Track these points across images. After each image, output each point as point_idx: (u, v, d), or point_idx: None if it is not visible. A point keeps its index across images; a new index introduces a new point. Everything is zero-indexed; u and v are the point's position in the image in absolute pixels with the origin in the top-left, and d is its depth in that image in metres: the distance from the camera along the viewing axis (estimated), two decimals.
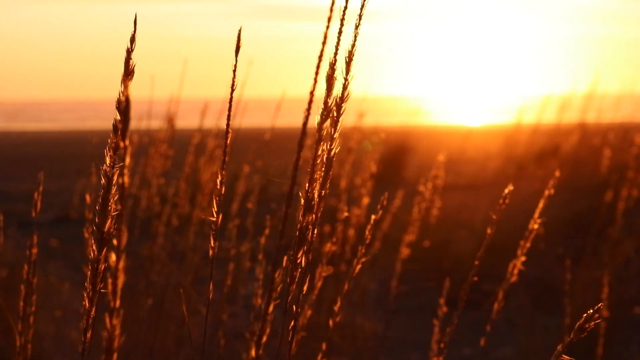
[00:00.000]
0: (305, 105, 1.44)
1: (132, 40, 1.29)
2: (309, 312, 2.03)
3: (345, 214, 3.77)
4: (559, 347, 1.37)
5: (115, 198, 1.23)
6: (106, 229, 1.22)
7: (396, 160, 11.69)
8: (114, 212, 1.22)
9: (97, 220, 1.22)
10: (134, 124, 5.18)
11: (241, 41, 1.38)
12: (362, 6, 1.34)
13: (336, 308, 1.71)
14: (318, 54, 1.37)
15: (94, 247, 1.26)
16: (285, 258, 1.43)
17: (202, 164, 4.19)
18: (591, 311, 1.31)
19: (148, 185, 4.07)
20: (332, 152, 1.39)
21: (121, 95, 1.02)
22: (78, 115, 55.70)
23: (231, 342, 3.48)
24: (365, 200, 3.79)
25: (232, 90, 1.41)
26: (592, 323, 1.31)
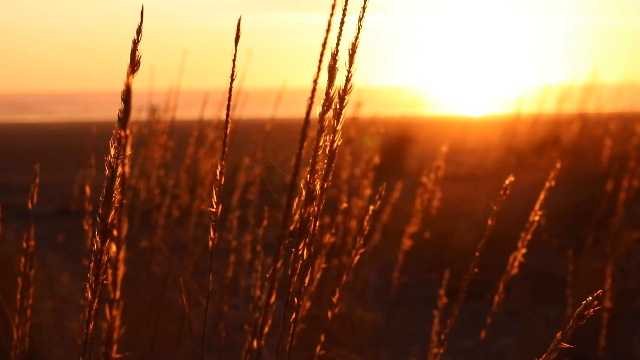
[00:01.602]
0: (306, 96, 1.43)
1: (139, 31, 1.28)
2: (308, 304, 2.02)
3: (345, 205, 3.77)
4: (558, 335, 1.36)
5: (118, 189, 1.22)
6: (110, 220, 1.21)
7: (397, 150, 11.68)
8: (119, 203, 1.21)
9: (100, 211, 1.21)
10: (135, 115, 5.17)
11: (241, 31, 1.37)
12: None
13: (335, 299, 1.71)
14: (322, 42, 1.36)
15: (97, 238, 1.25)
16: (284, 249, 1.42)
17: (202, 155, 4.18)
18: (590, 298, 1.30)
19: (147, 176, 4.06)
20: (335, 144, 1.38)
21: (126, 86, 1.01)
22: (77, 107, 55.65)
23: (232, 334, 3.48)
24: (367, 192, 3.78)
25: (232, 80, 1.41)
26: (592, 310, 1.30)
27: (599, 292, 1.31)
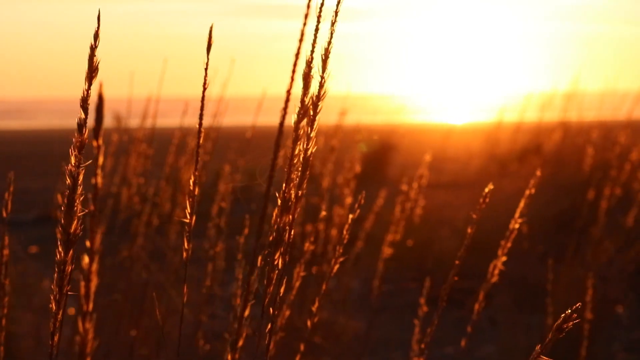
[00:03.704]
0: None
1: (96, 36, 1.26)
2: (287, 313, 2.00)
3: (324, 213, 3.76)
4: (538, 348, 1.35)
5: (83, 198, 1.20)
6: (72, 230, 1.18)
7: (380, 158, 11.69)
8: (82, 212, 1.19)
9: (62, 221, 1.18)
10: (110, 122, 5.13)
11: (213, 39, 1.36)
12: (338, 2, 1.32)
13: (314, 308, 1.69)
14: (295, 51, 1.35)
15: (60, 249, 1.22)
16: (261, 259, 1.41)
17: (182, 163, 4.16)
18: (569, 311, 1.29)
19: (128, 184, 4.04)
20: (309, 152, 1.37)
21: (84, 93, 0.99)
22: (59, 113, 55.47)
23: (212, 343, 3.45)
24: (348, 200, 3.77)
25: (204, 88, 1.40)
26: (571, 323, 1.29)
27: (578, 304, 1.29)
